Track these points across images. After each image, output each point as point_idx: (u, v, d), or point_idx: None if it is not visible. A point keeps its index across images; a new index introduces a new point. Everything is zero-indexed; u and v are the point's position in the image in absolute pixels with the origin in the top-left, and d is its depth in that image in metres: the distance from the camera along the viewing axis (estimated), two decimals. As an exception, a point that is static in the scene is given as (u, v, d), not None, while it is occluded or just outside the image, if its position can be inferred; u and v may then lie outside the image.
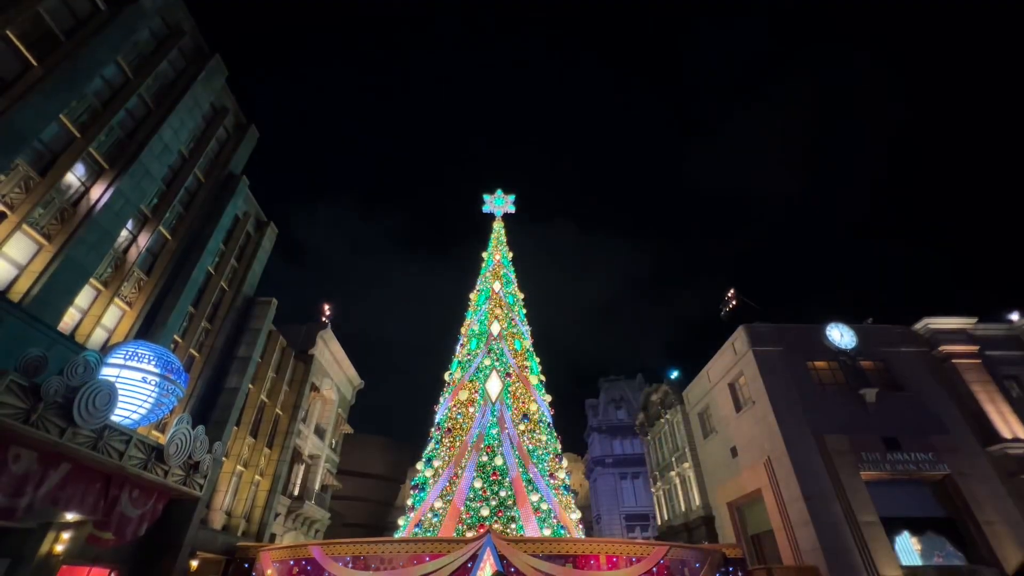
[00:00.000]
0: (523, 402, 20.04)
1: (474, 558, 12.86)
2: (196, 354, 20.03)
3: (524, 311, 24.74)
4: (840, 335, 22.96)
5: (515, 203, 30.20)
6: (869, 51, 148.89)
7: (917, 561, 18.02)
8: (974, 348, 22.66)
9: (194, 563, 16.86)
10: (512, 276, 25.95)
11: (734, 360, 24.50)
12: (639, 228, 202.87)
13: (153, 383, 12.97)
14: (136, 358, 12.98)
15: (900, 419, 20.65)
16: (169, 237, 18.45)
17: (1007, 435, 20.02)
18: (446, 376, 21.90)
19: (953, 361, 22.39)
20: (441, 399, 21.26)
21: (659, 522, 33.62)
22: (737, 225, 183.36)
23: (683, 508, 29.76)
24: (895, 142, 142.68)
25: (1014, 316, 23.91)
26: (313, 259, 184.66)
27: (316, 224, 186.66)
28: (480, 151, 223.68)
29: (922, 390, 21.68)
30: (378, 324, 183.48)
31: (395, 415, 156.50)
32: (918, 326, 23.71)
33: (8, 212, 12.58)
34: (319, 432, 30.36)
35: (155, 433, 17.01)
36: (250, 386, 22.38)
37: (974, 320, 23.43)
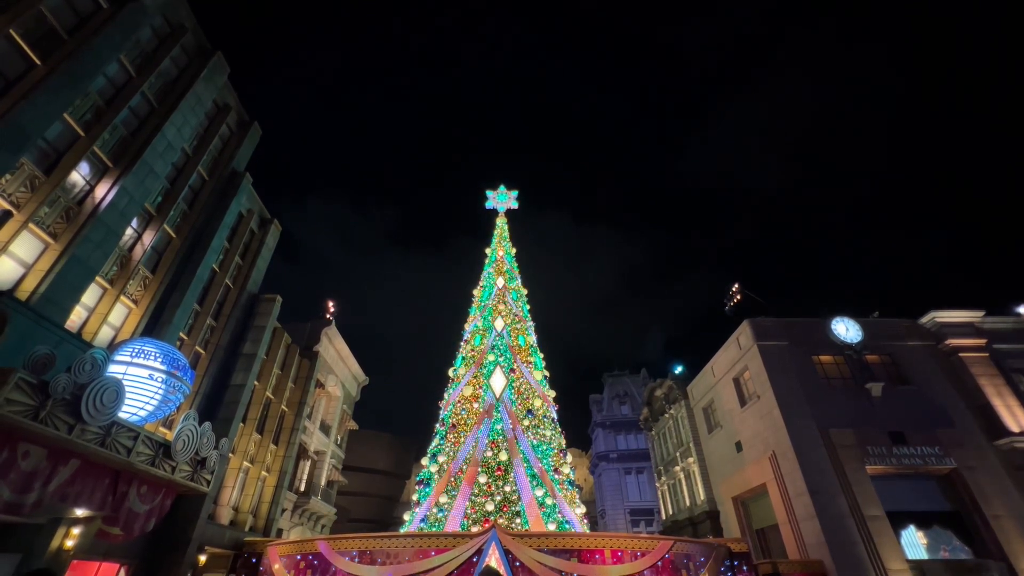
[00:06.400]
0: (527, 397, 20.05)
1: (479, 553, 12.91)
2: (202, 351, 20.15)
3: (527, 307, 24.71)
4: (845, 329, 22.81)
5: (516, 198, 30.12)
6: (866, 35, 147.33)
7: (923, 555, 17.97)
8: (981, 341, 22.47)
9: (202, 558, 17.02)
10: (515, 272, 25.91)
11: (739, 355, 24.42)
12: (636, 221, 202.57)
13: (160, 380, 13.04)
14: (142, 355, 13.04)
15: (906, 413, 20.53)
16: (174, 235, 18.52)
17: (1014, 429, 19.87)
18: (450, 372, 21.93)
19: (960, 355, 22.22)
20: (446, 395, 21.31)
21: (663, 517, 33.66)
22: (736, 217, 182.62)
23: (688, 503, 29.77)
24: (896, 133, 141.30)
25: (1022, 309, 23.69)
26: (310, 256, 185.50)
27: (311, 221, 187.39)
28: (474, 145, 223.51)
29: (928, 384, 21.54)
30: (377, 320, 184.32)
31: (396, 411, 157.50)
32: (924, 319, 23.54)
33: (14, 211, 12.64)
34: (324, 428, 30.51)
35: (162, 430, 17.15)
36: (255, 383, 22.49)
37: (981, 313, 23.21)
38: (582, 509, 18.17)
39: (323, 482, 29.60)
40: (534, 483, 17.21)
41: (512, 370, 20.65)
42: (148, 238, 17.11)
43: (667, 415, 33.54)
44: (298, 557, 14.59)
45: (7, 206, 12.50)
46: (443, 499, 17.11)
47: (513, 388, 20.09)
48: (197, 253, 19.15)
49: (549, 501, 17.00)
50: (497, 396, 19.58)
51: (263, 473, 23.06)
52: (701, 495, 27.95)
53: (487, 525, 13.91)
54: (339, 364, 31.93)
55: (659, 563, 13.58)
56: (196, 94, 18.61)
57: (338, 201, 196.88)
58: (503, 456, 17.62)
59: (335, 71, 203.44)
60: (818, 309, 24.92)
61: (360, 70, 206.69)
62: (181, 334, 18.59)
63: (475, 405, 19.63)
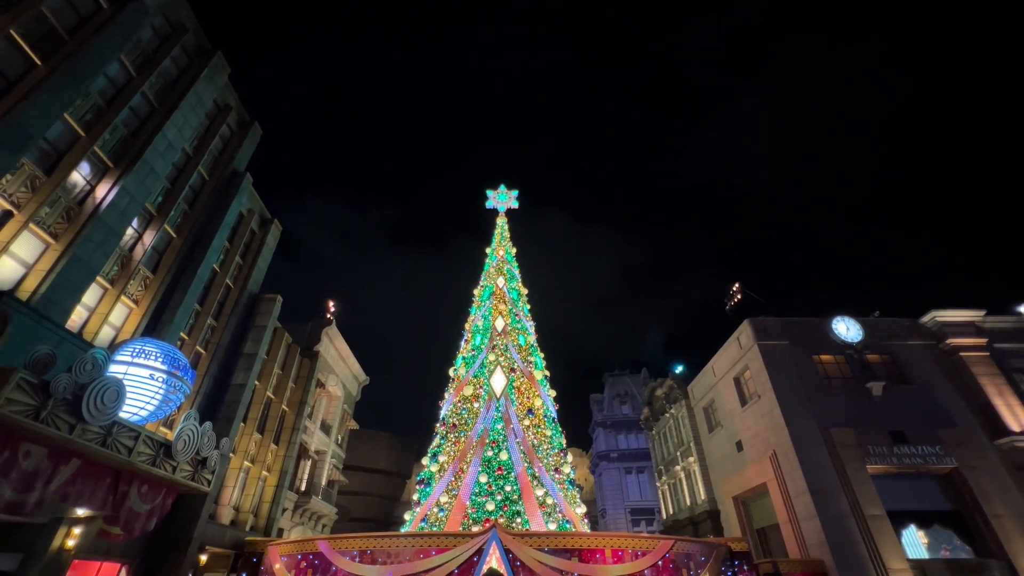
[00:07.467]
0: (528, 397, 20.06)
1: (480, 552, 12.92)
2: (202, 351, 20.16)
3: (528, 306, 24.72)
4: (846, 328, 22.79)
5: (516, 198, 30.13)
6: (865, 35, 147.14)
7: (924, 554, 17.95)
8: (982, 341, 22.45)
9: (203, 557, 17.04)
10: (516, 271, 25.92)
11: (739, 354, 24.41)
12: (636, 221, 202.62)
13: (160, 380, 13.05)
14: (143, 355, 13.06)
15: (907, 412, 20.50)
16: (174, 235, 18.52)
17: (1015, 428, 19.85)
18: (451, 372, 21.94)
19: (961, 354, 22.19)
20: (446, 395, 21.32)
21: (664, 516, 33.66)
22: (736, 217, 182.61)
23: (688, 502, 29.77)
24: (895, 132, 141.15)
25: (1023, 308, 23.66)
26: (310, 256, 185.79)
27: (312, 221, 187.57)
28: (474, 145, 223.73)
29: (929, 383, 21.51)
30: (377, 320, 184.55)
31: (396, 411, 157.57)
32: (925, 319, 23.51)
33: (15, 211, 12.66)
34: (325, 428, 30.54)
35: (163, 429, 17.16)
36: (256, 383, 22.50)
37: (982, 312, 23.18)
38: (582, 509, 18.18)
39: (324, 482, 29.62)
40: (535, 483, 17.22)
41: (512, 370, 20.65)
42: (149, 238, 17.12)
43: (667, 415, 33.52)
44: (299, 557, 14.61)
45: (8, 206, 12.51)
46: (444, 499, 17.12)
47: (513, 388, 20.09)
48: (198, 253, 19.15)
49: (550, 501, 17.02)
50: (497, 396, 19.58)
51: (264, 473, 23.08)
52: (702, 494, 27.94)
53: (488, 525, 13.92)
54: (340, 364, 31.95)
55: (660, 562, 13.59)
56: (197, 94, 18.61)
57: (338, 201, 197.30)
58: (503, 456, 17.62)
59: (335, 71, 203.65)
60: (819, 308, 24.93)
61: (360, 70, 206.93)
62: (182, 334, 18.60)
63: (476, 405, 19.64)
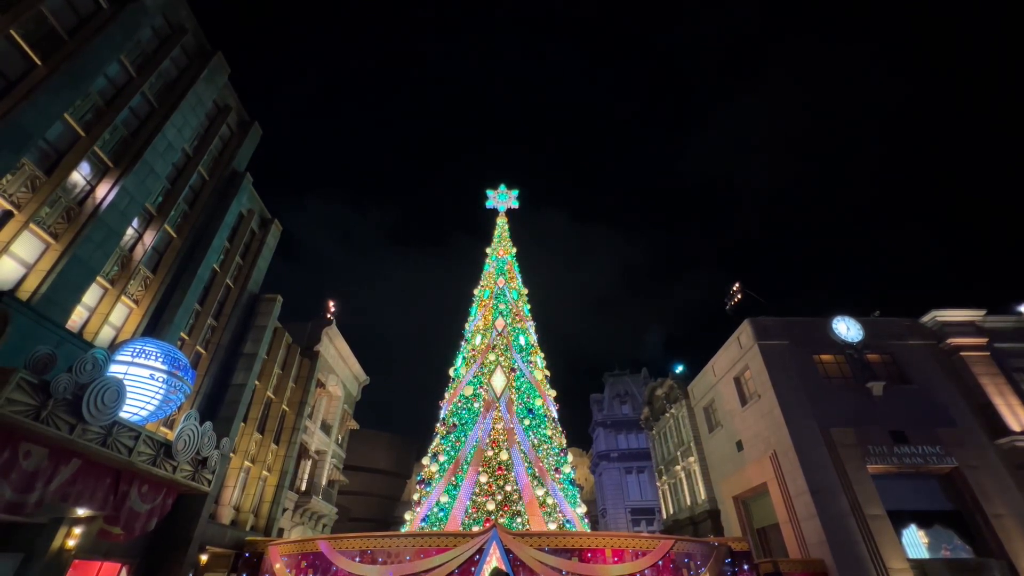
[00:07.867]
0: (528, 397, 20.05)
1: (480, 552, 12.92)
2: (203, 351, 20.16)
3: (528, 306, 24.71)
4: (846, 328, 22.78)
5: (516, 198, 30.12)
6: (865, 35, 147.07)
7: (924, 554, 17.95)
8: (982, 340, 22.44)
9: (203, 557, 17.05)
10: (516, 271, 25.92)
11: (739, 354, 24.40)
12: (636, 221, 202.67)
13: (160, 380, 13.04)
14: (143, 355, 13.05)
15: (907, 412, 20.50)
16: (174, 235, 18.53)
17: (1016, 428, 19.85)
18: (451, 372, 21.94)
19: (961, 354, 22.18)
20: (446, 395, 21.32)
21: (664, 516, 33.65)
22: (736, 217, 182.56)
23: (688, 502, 29.77)
24: (895, 132, 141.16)
25: (1023, 308, 23.65)
26: (310, 256, 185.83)
27: (311, 221, 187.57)
28: (474, 145, 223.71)
29: (929, 383, 21.51)
30: (377, 320, 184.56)
31: (396, 411, 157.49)
32: (925, 319, 23.51)
33: (15, 211, 12.66)
34: (325, 428, 30.54)
35: (163, 429, 17.17)
36: (256, 382, 22.50)
37: (982, 312, 23.17)
38: (583, 508, 18.17)
39: (324, 481, 29.62)
40: (535, 482, 17.22)
41: (513, 369, 20.65)
42: (149, 238, 17.12)
43: (668, 414, 33.52)
44: (299, 556, 14.60)
45: (8, 206, 12.52)
46: (444, 499, 17.12)
47: (513, 388, 20.09)
48: (198, 253, 19.15)
49: (550, 500, 17.02)
50: (498, 395, 19.58)
51: (264, 473, 23.08)
52: (702, 494, 27.94)
53: (488, 524, 13.93)
54: (340, 364, 31.95)
55: (660, 562, 13.59)
56: (196, 94, 18.61)
57: (338, 201, 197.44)
58: (504, 456, 17.62)
59: (335, 71, 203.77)
60: (819, 308, 24.96)
61: (360, 70, 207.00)
62: (182, 334, 18.60)
63: (475, 405, 19.65)
